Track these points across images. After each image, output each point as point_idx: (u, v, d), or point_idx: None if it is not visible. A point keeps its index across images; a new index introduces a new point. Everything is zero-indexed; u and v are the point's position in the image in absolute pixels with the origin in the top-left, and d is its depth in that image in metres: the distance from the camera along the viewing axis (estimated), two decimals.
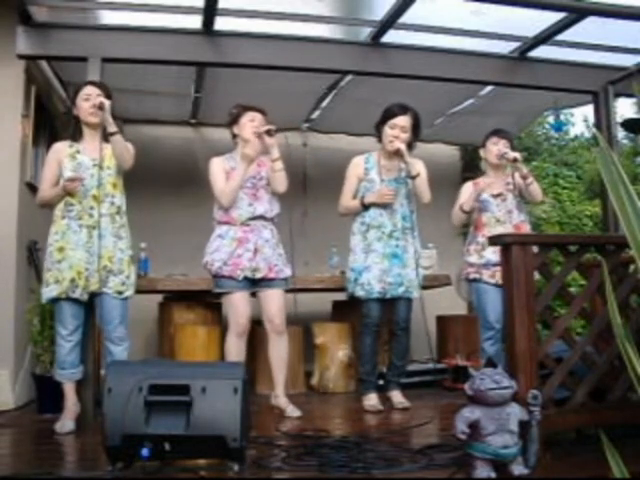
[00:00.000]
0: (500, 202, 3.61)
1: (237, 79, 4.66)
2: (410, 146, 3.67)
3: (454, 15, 3.94)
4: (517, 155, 3.52)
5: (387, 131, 3.65)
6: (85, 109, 3.22)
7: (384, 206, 3.65)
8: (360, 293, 3.65)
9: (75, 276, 3.11)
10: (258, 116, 3.54)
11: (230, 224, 3.51)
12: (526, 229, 3.62)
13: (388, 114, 3.66)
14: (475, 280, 3.55)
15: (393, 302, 3.68)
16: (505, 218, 3.57)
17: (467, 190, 3.69)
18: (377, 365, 3.81)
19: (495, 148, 3.61)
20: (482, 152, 3.74)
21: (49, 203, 3.24)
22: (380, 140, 3.74)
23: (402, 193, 3.71)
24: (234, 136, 3.62)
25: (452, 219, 3.74)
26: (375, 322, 3.66)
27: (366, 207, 3.66)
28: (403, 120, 3.63)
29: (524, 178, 3.50)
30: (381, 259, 3.63)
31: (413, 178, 3.61)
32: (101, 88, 3.27)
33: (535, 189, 3.55)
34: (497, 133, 3.67)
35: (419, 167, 3.65)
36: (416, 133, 3.71)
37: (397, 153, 3.62)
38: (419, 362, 4.79)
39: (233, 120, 3.60)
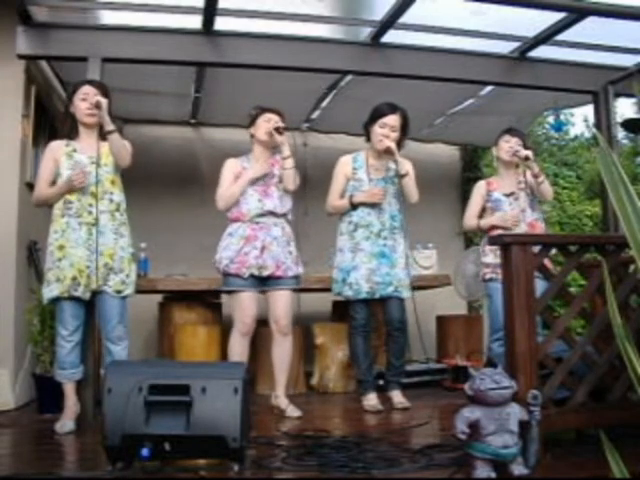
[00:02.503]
0: (513, 201, 3.62)
1: (237, 79, 4.66)
2: (399, 145, 3.68)
3: (454, 15, 3.93)
4: (529, 153, 3.51)
5: (377, 130, 3.66)
6: (82, 109, 3.22)
7: (372, 205, 3.65)
8: (348, 293, 3.64)
9: (77, 274, 3.10)
10: (274, 117, 3.57)
11: (240, 220, 3.52)
12: (540, 227, 3.63)
13: (378, 113, 3.67)
14: (491, 280, 3.55)
15: (384, 302, 3.67)
16: (518, 217, 3.57)
17: (479, 191, 3.71)
18: (373, 364, 3.80)
19: (507, 145, 3.62)
20: (494, 150, 3.75)
21: (47, 202, 3.23)
22: (368, 139, 3.76)
23: (390, 192, 3.71)
24: (252, 136, 3.64)
25: (464, 224, 3.77)
26: (362, 323, 3.66)
27: (354, 206, 3.66)
28: (393, 119, 3.65)
29: (535, 177, 3.51)
30: (369, 258, 3.63)
31: (402, 177, 3.63)
32: (98, 87, 3.26)
33: (546, 188, 3.56)
34: (509, 131, 3.68)
35: (408, 167, 3.67)
36: (405, 132, 3.72)
37: (387, 152, 3.63)
38: (418, 362, 4.79)
39: (251, 121, 3.63)
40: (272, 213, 3.53)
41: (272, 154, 3.63)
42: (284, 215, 3.59)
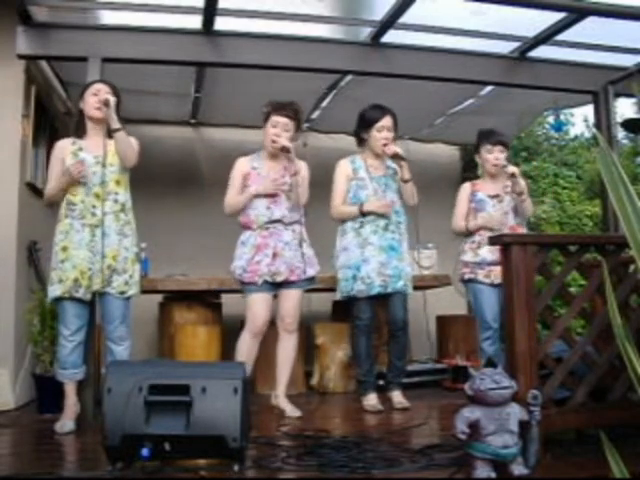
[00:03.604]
0: (496, 203, 3.61)
1: (237, 79, 4.66)
2: None
3: (454, 15, 3.94)
4: (515, 170, 3.52)
5: (376, 135, 3.67)
6: (91, 103, 3.24)
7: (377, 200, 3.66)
8: (361, 287, 3.60)
9: (78, 276, 3.10)
10: (281, 122, 3.49)
11: (250, 227, 3.50)
12: (522, 231, 3.62)
13: (372, 118, 3.68)
14: (470, 280, 3.55)
15: (388, 300, 3.66)
16: (501, 219, 3.57)
17: (465, 192, 3.69)
18: (374, 364, 3.80)
19: (492, 157, 3.60)
20: (477, 158, 3.75)
21: (55, 199, 3.25)
22: (360, 144, 3.77)
23: (392, 189, 3.74)
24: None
25: (452, 226, 3.70)
26: (367, 323, 3.65)
27: (364, 214, 3.63)
28: (387, 120, 3.67)
29: (519, 194, 3.51)
30: (378, 252, 3.62)
31: (406, 182, 3.65)
32: (111, 87, 3.30)
33: (527, 206, 3.59)
34: (489, 138, 3.62)
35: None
36: (395, 132, 3.75)
37: (395, 157, 3.63)
38: (419, 362, 4.79)
39: (264, 120, 3.57)
40: (280, 222, 3.50)
41: (283, 158, 3.54)
42: (294, 222, 3.53)
